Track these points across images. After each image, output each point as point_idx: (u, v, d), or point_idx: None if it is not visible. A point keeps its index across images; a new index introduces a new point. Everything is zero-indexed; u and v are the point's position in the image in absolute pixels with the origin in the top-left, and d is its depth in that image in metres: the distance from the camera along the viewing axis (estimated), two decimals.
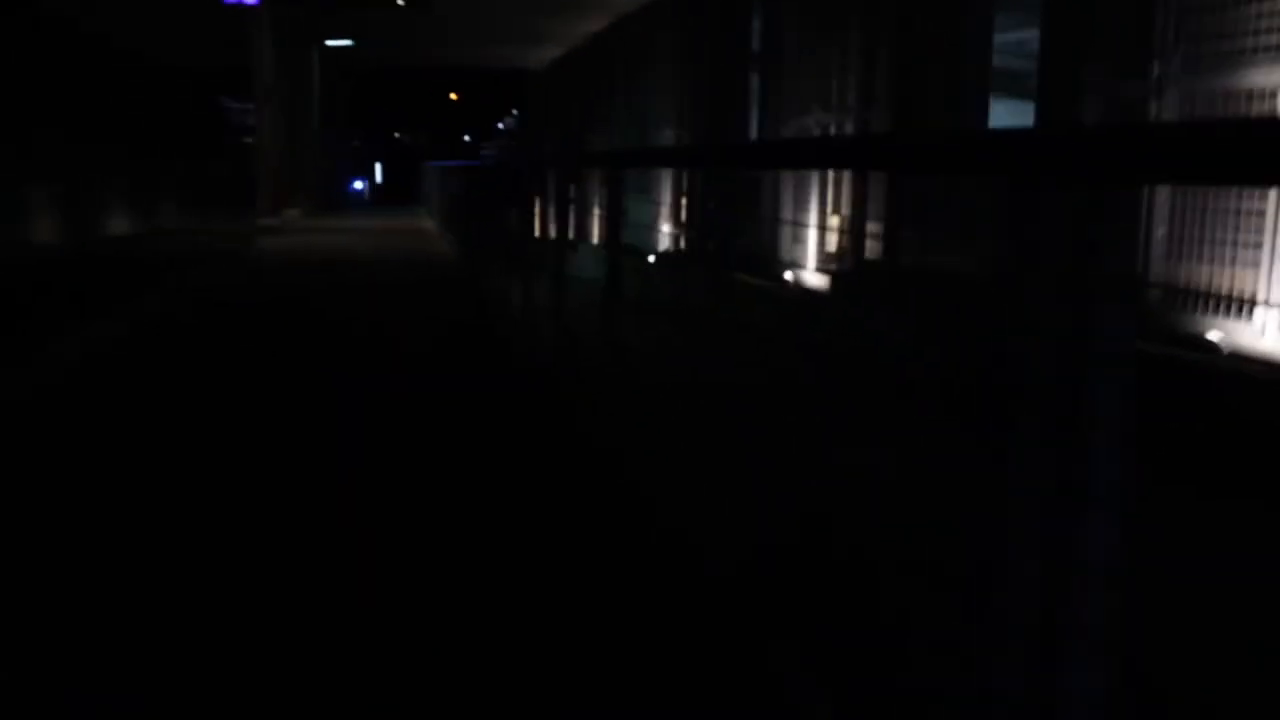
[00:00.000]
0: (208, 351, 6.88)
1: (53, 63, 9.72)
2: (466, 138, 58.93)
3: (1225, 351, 6.24)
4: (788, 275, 12.28)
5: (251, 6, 13.12)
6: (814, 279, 11.97)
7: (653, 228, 17.81)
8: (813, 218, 12.23)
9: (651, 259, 16.62)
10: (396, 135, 58.15)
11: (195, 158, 12.40)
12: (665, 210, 17.91)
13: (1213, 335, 6.39)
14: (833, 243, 11.94)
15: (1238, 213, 6.33)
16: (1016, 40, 10.35)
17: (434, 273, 11.32)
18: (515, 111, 47.91)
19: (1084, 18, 7.54)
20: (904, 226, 10.19)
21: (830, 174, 11.89)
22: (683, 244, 17.00)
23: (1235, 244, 6.35)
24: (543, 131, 34.67)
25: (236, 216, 16.72)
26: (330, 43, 22.87)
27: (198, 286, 9.99)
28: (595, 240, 22.38)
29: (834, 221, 11.89)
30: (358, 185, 42.00)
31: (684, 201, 17.35)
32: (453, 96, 55.38)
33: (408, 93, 48.19)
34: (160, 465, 4.18)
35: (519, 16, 21.79)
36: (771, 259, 12.70)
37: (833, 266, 11.72)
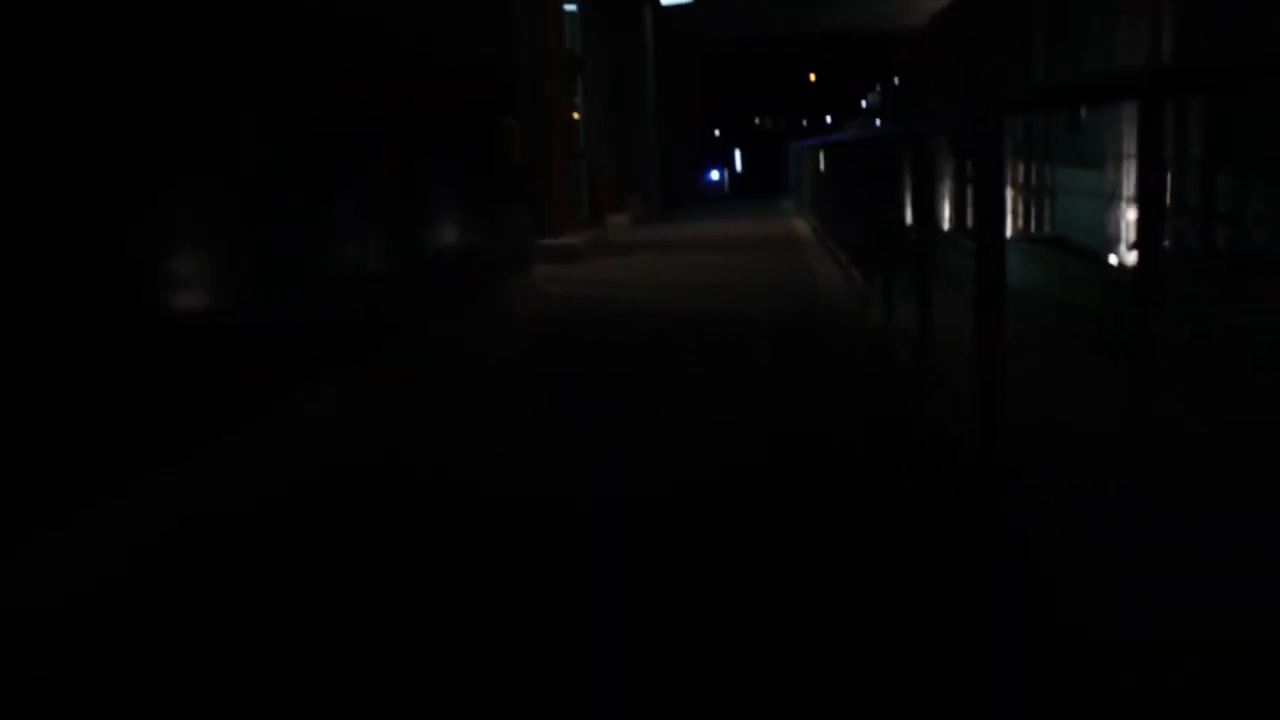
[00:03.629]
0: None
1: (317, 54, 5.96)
2: (828, 119, 54.53)
3: None
4: None
5: None
6: None
7: (1101, 212, 12.58)
8: None
9: (1114, 260, 11.46)
10: (756, 121, 54.44)
11: (482, 160, 8.38)
12: (1125, 187, 12.60)
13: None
14: None
15: None
16: None
17: (824, 334, 6.79)
18: (878, 88, 42.98)
19: None
20: None
21: None
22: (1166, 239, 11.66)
23: None
24: (920, 104, 29.79)
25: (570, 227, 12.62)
26: (665, 1, 18.64)
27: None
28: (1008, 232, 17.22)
29: None
30: (714, 176, 38.82)
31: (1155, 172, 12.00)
32: (811, 77, 51.23)
33: (762, 74, 44.93)
34: None
35: None
36: None
37: None
